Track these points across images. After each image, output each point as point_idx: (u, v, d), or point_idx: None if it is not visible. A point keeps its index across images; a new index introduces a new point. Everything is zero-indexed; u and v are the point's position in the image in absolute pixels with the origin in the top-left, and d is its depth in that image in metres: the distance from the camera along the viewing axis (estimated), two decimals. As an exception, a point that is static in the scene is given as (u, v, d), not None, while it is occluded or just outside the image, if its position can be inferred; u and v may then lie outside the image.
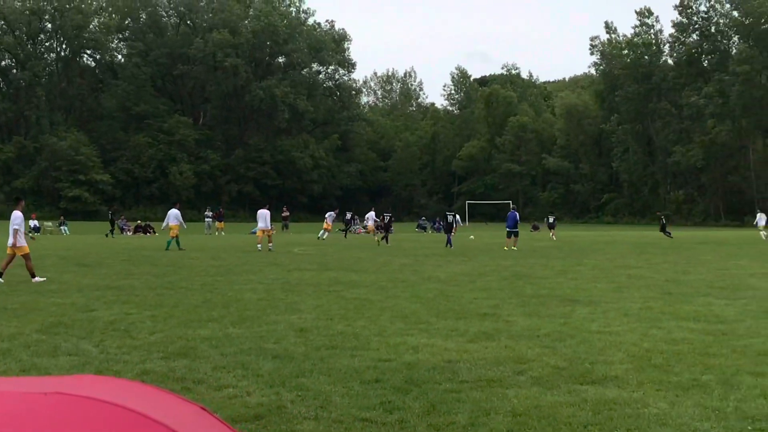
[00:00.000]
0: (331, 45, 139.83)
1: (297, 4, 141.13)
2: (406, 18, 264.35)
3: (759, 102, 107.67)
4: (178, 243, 38.56)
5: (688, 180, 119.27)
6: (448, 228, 44.81)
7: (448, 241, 43.10)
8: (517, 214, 43.13)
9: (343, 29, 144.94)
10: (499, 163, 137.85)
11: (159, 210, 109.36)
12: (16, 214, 21.52)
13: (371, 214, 60.02)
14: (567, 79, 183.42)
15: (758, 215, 59.69)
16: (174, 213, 40.17)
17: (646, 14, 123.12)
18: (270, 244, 37.61)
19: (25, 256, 21.28)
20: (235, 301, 16.88)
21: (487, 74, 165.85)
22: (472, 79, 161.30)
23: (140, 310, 15.37)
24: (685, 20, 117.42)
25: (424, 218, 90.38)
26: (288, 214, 73.27)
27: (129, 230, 65.51)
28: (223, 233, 63.63)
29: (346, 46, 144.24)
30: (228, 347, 11.35)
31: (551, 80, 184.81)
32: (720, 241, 52.40)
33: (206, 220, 67.55)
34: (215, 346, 11.42)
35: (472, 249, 40.34)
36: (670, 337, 12.27)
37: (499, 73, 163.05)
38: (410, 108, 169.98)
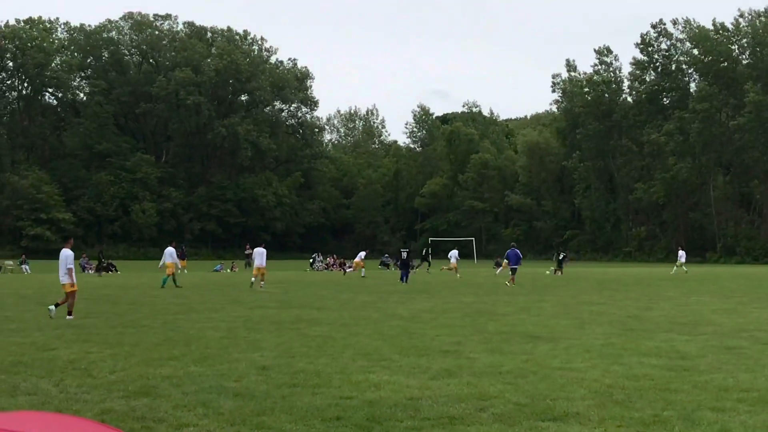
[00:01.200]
0: (294, 83, 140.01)
1: (259, 42, 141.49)
2: (368, 56, 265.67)
3: (718, 139, 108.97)
4: (174, 280, 38.72)
5: (650, 216, 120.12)
6: (404, 264, 45.09)
7: (403, 277, 43.56)
8: (518, 252, 43.08)
9: (305, 67, 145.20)
10: (461, 200, 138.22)
11: (121, 248, 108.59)
12: (68, 253, 22.53)
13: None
14: (529, 117, 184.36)
15: (680, 253, 62.24)
16: (169, 251, 40.40)
17: (606, 52, 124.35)
18: (262, 283, 38.01)
19: (71, 294, 22.04)
20: (197, 339, 16.76)
21: (449, 112, 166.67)
22: (434, 116, 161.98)
23: (101, 349, 15.23)
24: (645, 58, 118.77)
25: (387, 255, 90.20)
26: (251, 251, 73.01)
27: (91, 269, 65.03)
28: (185, 271, 63.22)
29: (308, 84, 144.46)
30: (189, 386, 11.26)
31: (513, 118, 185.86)
32: (682, 277, 52.77)
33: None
34: (176, 385, 11.33)
35: (434, 285, 40.37)
36: (632, 373, 12.31)
37: (461, 110, 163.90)
38: (373, 145, 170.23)
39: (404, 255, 46.20)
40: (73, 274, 22.26)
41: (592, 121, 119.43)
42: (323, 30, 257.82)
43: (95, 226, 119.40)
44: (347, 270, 61.88)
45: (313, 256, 76.76)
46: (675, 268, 60.18)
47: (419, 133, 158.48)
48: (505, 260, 46.61)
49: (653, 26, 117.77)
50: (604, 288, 38.11)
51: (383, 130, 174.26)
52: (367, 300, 29.50)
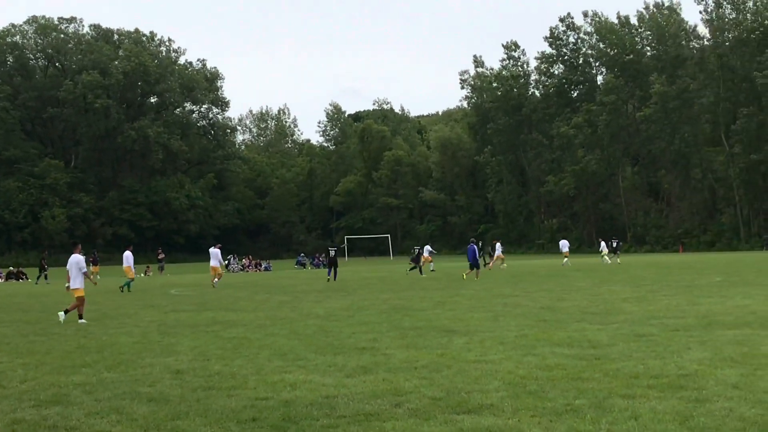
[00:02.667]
0: (204, 84, 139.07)
1: (167, 43, 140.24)
2: (278, 55, 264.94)
3: (626, 130, 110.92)
4: (128, 285, 38.89)
5: (562, 208, 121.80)
6: (331, 262, 45.25)
7: (330, 273, 44.25)
8: (476, 248, 43.71)
9: (215, 68, 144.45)
10: (376, 197, 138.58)
11: (31, 256, 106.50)
12: (78, 257, 22.79)
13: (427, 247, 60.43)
14: (440, 113, 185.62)
15: (602, 244, 64.24)
16: (126, 256, 40.62)
17: (513, 47, 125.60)
18: (216, 280, 40.44)
19: (79, 299, 22.33)
20: (110, 346, 16.53)
21: (361, 110, 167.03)
22: (346, 114, 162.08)
23: (11, 358, 14.94)
24: (554, 51, 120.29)
25: (303, 255, 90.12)
26: (163, 255, 72.29)
27: (1, 277, 63.83)
28: (98, 277, 62.23)
29: (219, 84, 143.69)
30: (102, 392, 11.11)
31: (425, 114, 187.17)
32: (593, 267, 53.52)
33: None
34: (89, 392, 11.17)
35: (351, 284, 40.38)
36: (545, 363, 12.46)
37: (372, 108, 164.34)
38: (286, 145, 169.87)
39: (332, 253, 46.43)
40: (78, 279, 22.51)
41: (502, 115, 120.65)
42: (232, 30, 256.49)
43: (4, 234, 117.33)
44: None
45: (229, 257, 76.22)
46: (604, 258, 61.54)
47: (332, 132, 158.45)
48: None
49: (561, 20, 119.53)
50: (518, 280, 38.50)
51: (296, 129, 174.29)
52: (283, 300, 29.41)
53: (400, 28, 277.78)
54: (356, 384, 11.15)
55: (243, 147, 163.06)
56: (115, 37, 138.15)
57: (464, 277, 41.80)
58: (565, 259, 60.03)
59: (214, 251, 41.87)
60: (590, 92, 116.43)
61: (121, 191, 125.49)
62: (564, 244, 62.58)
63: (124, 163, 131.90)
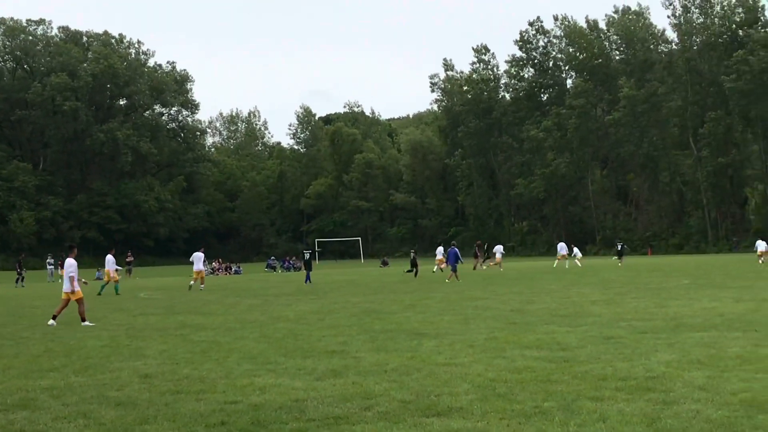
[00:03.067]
0: (173, 86, 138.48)
1: (136, 45, 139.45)
2: (248, 57, 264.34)
3: (595, 134, 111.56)
4: (107, 287, 38.74)
5: (531, 211, 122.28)
6: (307, 265, 45.30)
7: (307, 278, 44.31)
8: (458, 251, 44.07)
9: (184, 70, 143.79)
10: (347, 200, 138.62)
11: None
12: (71, 262, 22.87)
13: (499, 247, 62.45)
14: (411, 116, 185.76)
15: (575, 249, 65.92)
16: (108, 258, 39.87)
17: (483, 51, 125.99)
18: (201, 285, 41.09)
19: (79, 301, 22.40)
20: (78, 350, 16.41)
21: (332, 112, 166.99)
22: (316, 117, 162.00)
23: (-23, 363, 14.81)
24: (524, 55, 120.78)
25: (273, 258, 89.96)
26: (132, 258, 71.87)
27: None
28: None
29: (188, 87, 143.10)
30: (70, 397, 11.04)
31: (395, 117, 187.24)
32: (563, 270, 53.77)
33: (48, 267, 65.42)
34: (56, 396, 11.09)
35: (322, 287, 40.34)
36: (514, 366, 12.50)
37: (343, 111, 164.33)
38: (256, 147, 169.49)
39: (306, 256, 46.56)
40: (74, 282, 22.56)
41: (473, 119, 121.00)
42: (202, 32, 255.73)
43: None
44: (485, 266, 62.23)
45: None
46: (576, 262, 62.79)
47: (302, 135, 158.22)
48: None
49: (531, 24, 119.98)
50: (489, 283, 38.60)
51: (266, 131, 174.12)
52: (253, 303, 29.32)
53: (371, 31, 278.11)
54: (326, 387, 11.14)
55: (213, 149, 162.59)
56: (84, 39, 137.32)
57: (447, 280, 42.04)
58: (558, 261, 60.98)
59: (199, 255, 42.28)
60: (560, 96, 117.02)
61: (89, 194, 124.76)
62: (561, 247, 63.08)
63: (92, 165, 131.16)
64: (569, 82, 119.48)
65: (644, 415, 8.96)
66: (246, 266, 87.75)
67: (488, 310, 23.18)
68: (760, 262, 55.23)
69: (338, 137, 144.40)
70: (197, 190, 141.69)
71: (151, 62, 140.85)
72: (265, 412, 9.66)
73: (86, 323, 21.98)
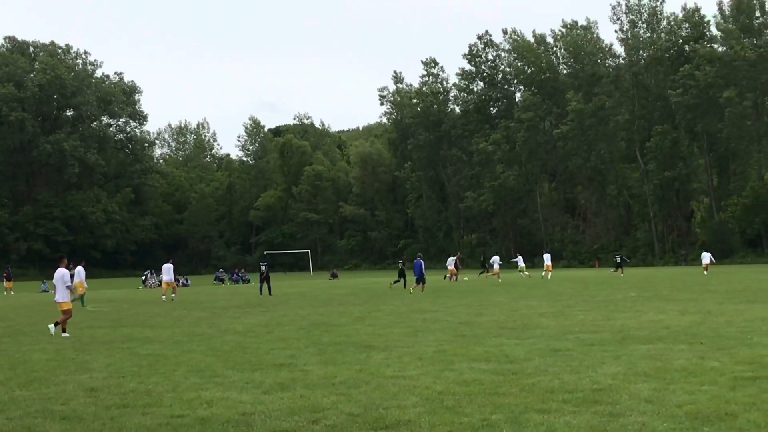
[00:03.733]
0: (121, 97, 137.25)
1: (84, 56, 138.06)
2: (196, 68, 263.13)
3: (543, 147, 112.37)
4: (82, 300, 38.21)
5: (481, 224, 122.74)
6: (265, 277, 45.48)
7: (262, 289, 44.49)
8: (423, 263, 44.54)
9: (132, 81, 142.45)
10: (296, 212, 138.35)
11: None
12: (63, 272, 22.78)
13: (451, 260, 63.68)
14: (361, 128, 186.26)
15: (518, 257, 68.32)
16: (78, 270, 39.69)
17: (432, 64, 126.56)
18: (173, 295, 41.81)
19: (66, 312, 22.49)
20: (23, 363, 16.21)
21: (282, 124, 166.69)
22: (265, 129, 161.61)
23: None
24: (473, 68, 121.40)
25: (222, 270, 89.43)
26: (74, 271, 70.90)
27: None
28: (12, 293, 61.08)
29: (136, 98, 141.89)
30: (14, 411, 10.90)
31: (345, 129, 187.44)
32: (512, 282, 54.03)
33: (-8, 280, 64.62)
34: (0, 410, 10.94)
35: (270, 299, 40.15)
36: (462, 378, 12.53)
37: (293, 123, 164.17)
38: (205, 159, 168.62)
39: (263, 269, 46.42)
40: (66, 292, 22.73)
41: (423, 131, 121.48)
42: (150, 43, 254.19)
43: None
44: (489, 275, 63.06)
45: (146, 273, 75.36)
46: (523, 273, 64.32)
47: (251, 146, 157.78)
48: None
49: (479, 37, 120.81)
50: (438, 296, 38.64)
51: (215, 143, 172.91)
52: (201, 316, 29.13)
53: (318, 42, 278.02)
54: (273, 401, 11.09)
55: (161, 161, 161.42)
56: (31, 49, 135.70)
57: (411, 291, 42.59)
58: (544, 272, 61.87)
59: (168, 266, 43.06)
60: (509, 109, 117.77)
61: (35, 205, 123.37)
62: (547, 258, 63.70)
63: (39, 177, 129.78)
64: (518, 95, 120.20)
65: (591, 428, 9.02)
66: (194, 279, 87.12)
67: (437, 322, 23.21)
68: (705, 273, 56.10)
69: (288, 149, 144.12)
70: (145, 201, 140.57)
71: (98, 73, 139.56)
72: (212, 426, 9.60)
73: (65, 334, 22.03)
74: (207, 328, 23.86)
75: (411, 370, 13.64)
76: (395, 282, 51.33)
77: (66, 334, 22.07)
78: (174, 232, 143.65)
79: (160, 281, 73.44)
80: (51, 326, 22.61)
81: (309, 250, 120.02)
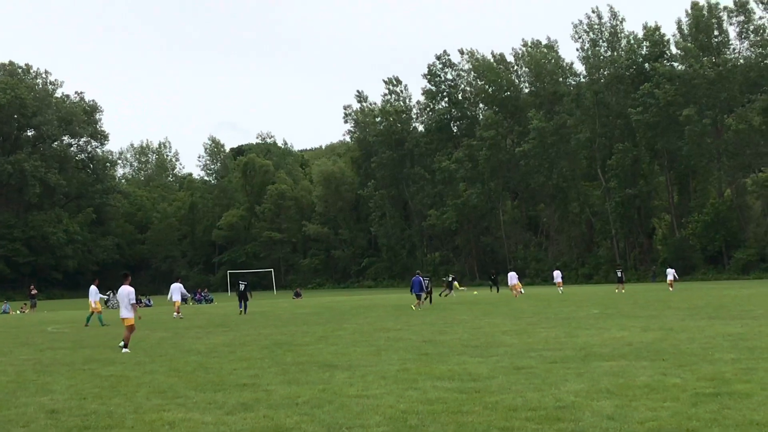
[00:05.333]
0: (82, 117, 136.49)
1: (44, 75, 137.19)
2: (158, 88, 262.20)
3: (505, 165, 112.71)
4: (100, 319, 38.88)
5: (444, 242, 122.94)
6: (241, 296, 46.16)
7: (242, 308, 45.33)
8: (422, 279, 45.58)
9: (93, 100, 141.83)
10: (259, 231, 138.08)
11: None
12: (129, 289, 23.51)
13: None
14: (324, 147, 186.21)
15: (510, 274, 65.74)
16: (92, 290, 40.23)
17: (395, 83, 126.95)
18: (179, 315, 43.57)
19: (129, 328, 23.39)
20: (-18, 386, 16.04)
21: (244, 143, 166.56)
22: (228, 148, 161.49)
23: None
24: (433, 88, 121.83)
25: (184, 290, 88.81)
26: (36, 291, 70.45)
27: None
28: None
29: (97, 117, 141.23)
30: (-28, 435, 10.78)
31: (308, 148, 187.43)
32: (475, 300, 54.12)
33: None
34: (-42, 435, 10.83)
35: (233, 319, 39.99)
36: (426, 397, 12.53)
37: (255, 141, 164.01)
38: (167, 179, 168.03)
39: (241, 287, 46.64)
40: (132, 309, 23.45)
41: (386, 150, 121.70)
42: (111, 62, 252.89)
43: None
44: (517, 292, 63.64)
45: (108, 293, 74.74)
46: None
47: (213, 166, 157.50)
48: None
49: (438, 57, 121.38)
50: (401, 314, 38.63)
51: (177, 163, 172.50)
52: (163, 336, 28.96)
53: (280, 61, 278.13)
54: (236, 421, 11.04)
55: (123, 181, 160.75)
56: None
57: (413, 308, 43.14)
58: (560, 288, 63.51)
59: (177, 285, 45.50)
60: (470, 127, 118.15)
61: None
62: (557, 275, 64.00)
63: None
64: (480, 113, 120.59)
65: (554, 445, 9.04)
66: (156, 299, 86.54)
67: (400, 341, 23.20)
68: (671, 289, 56.53)
69: (250, 168, 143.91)
70: (107, 222, 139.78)
71: (59, 92, 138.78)
72: (174, 448, 9.53)
73: (125, 350, 22.76)
74: (169, 348, 23.74)
75: (374, 389, 13.62)
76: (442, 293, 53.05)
77: (126, 350, 22.73)
78: (136, 252, 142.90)
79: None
80: (125, 350, 22.91)
81: (272, 270, 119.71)
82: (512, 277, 61.89)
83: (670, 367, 15.27)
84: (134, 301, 23.46)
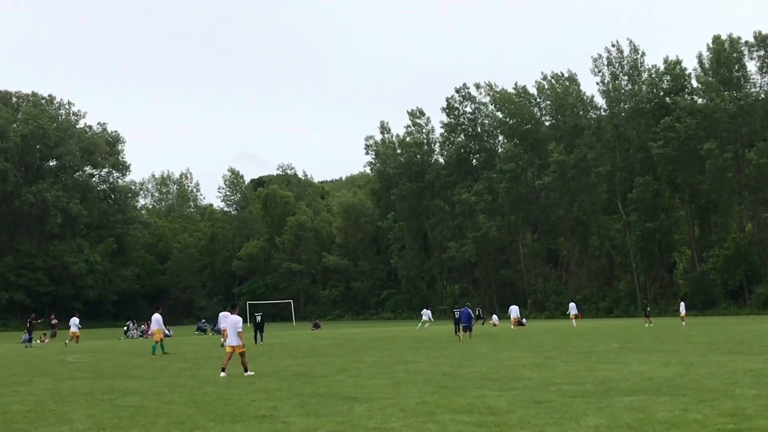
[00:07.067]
0: (104, 147, 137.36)
1: (67, 106, 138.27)
2: (181, 119, 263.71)
3: (525, 197, 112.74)
4: (162, 347, 38.84)
5: (463, 274, 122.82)
6: (258, 327, 47.62)
7: (258, 338, 46.74)
8: (470, 311, 46.98)
9: (116, 131, 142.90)
10: (279, 263, 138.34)
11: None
12: (237, 318, 24.80)
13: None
14: (344, 179, 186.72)
15: (512, 306, 67.09)
16: (156, 318, 39.83)
17: (418, 114, 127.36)
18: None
19: (242, 354, 24.74)
20: (2, 414, 16.08)
21: (264, 174, 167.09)
22: (248, 180, 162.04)
23: None
24: (453, 121, 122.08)
25: (204, 320, 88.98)
26: (56, 321, 70.51)
27: None
28: (-9, 344, 60.61)
29: (119, 148, 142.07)
30: (-9, 464, 10.80)
31: (328, 180, 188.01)
32: (495, 333, 53.93)
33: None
34: (-23, 464, 10.85)
35: (252, 350, 39.91)
36: (445, 430, 12.48)
37: (276, 173, 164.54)
38: (188, 209, 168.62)
39: (258, 318, 47.38)
40: (240, 336, 24.62)
41: (406, 182, 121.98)
42: (133, 93, 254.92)
43: None
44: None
45: (128, 323, 75.09)
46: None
47: (233, 197, 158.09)
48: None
49: (457, 90, 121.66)
50: (420, 346, 38.50)
51: (198, 193, 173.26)
52: (182, 367, 28.95)
53: (301, 93, 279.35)
54: (255, 453, 11.03)
55: (144, 211, 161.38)
56: (14, 99, 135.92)
57: (460, 338, 44.42)
58: (574, 320, 63.92)
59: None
60: (490, 160, 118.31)
61: (17, 256, 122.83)
62: (572, 307, 64.39)
63: (21, 227, 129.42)
64: (499, 146, 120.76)
65: (573, 480, 8.99)
66: (176, 329, 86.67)
67: (420, 373, 23.12)
68: (683, 324, 56.34)
69: (271, 199, 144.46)
70: (127, 252, 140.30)
71: (81, 123, 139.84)
72: (192, 479, 9.53)
73: (249, 373, 24.09)
74: (188, 379, 23.73)
75: (393, 422, 13.58)
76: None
77: (224, 374, 24.07)
78: (156, 282, 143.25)
79: (142, 332, 73.31)
80: (248, 373, 24.23)
81: (291, 301, 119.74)
82: (513, 311, 62.73)
83: (690, 402, 15.16)
84: (240, 329, 24.52)
